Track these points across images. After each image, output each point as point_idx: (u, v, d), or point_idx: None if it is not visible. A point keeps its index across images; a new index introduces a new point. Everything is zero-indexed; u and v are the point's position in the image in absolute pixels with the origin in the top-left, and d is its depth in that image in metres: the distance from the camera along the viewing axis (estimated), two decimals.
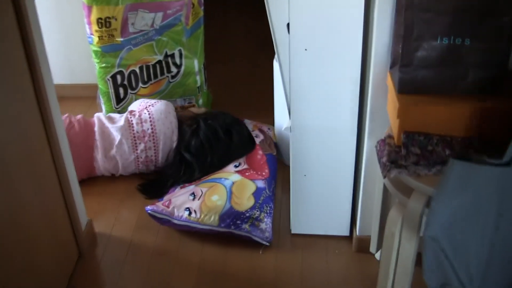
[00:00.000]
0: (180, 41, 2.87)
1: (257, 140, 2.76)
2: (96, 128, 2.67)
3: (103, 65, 2.91)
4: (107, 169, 2.70)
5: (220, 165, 2.63)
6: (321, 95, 2.05)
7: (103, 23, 2.78)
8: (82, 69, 3.32)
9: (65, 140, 2.13)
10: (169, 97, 3.02)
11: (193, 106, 3.07)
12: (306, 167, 2.22)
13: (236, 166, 2.59)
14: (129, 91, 2.99)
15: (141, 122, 2.67)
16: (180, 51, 2.90)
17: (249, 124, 2.90)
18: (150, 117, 2.69)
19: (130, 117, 2.70)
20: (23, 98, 1.83)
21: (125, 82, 2.96)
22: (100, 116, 2.75)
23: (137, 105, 2.83)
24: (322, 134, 2.13)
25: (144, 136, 2.65)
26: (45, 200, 1.98)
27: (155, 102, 2.79)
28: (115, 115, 2.78)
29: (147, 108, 2.76)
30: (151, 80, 2.96)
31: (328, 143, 2.15)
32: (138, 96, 3.00)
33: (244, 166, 2.59)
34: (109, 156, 2.65)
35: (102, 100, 3.05)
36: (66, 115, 2.71)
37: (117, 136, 2.64)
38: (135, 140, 2.65)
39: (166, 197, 2.46)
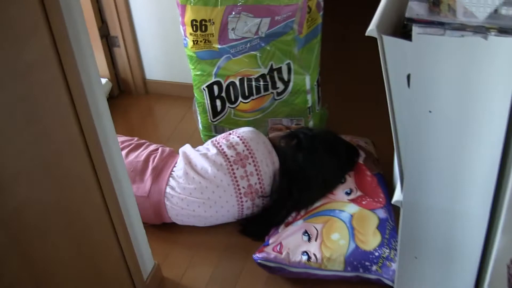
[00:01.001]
0: (290, 53, 2.33)
1: (360, 159, 2.31)
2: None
3: (198, 72, 2.46)
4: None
5: (329, 187, 2.21)
6: (446, 169, 1.51)
7: (198, 26, 2.31)
8: (181, 67, 2.88)
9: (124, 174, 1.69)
10: (273, 115, 2.51)
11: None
12: (418, 249, 1.71)
13: (347, 194, 2.17)
14: (227, 104, 2.52)
15: (233, 146, 2.19)
16: (288, 65, 2.36)
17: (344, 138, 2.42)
18: (240, 139, 2.20)
19: (217, 143, 2.23)
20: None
21: (223, 94, 2.49)
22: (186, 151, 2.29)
23: (215, 138, 2.35)
24: (442, 216, 1.60)
25: (241, 159, 2.15)
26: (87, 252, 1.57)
27: (239, 128, 2.33)
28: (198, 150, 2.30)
29: (231, 134, 2.27)
30: (253, 95, 2.46)
31: (449, 227, 1.62)
32: (237, 112, 2.53)
33: (357, 193, 2.17)
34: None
35: (198, 110, 2.61)
36: (155, 145, 2.36)
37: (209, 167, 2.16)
38: (231, 166, 2.15)
39: (272, 240, 2.06)
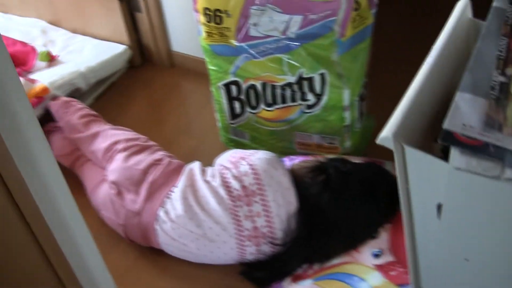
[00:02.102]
0: (326, 60, 1.80)
1: None
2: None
3: (214, 67, 1.98)
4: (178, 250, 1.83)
5: (357, 240, 1.74)
6: None
7: (212, 16, 1.81)
8: None
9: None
10: (302, 130, 2.02)
11: (336, 149, 2.03)
12: None
13: (376, 256, 1.69)
14: (248, 109, 2.04)
15: (240, 177, 1.74)
16: (322, 75, 1.83)
17: (390, 167, 1.88)
18: (251, 168, 1.74)
19: (224, 170, 1.79)
20: None
21: (242, 97, 2.01)
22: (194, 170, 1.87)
23: (228, 157, 1.90)
24: None
25: (246, 195, 1.70)
26: None
27: (255, 152, 1.85)
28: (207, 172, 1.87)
29: (243, 159, 1.81)
30: (277, 104, 1.97)
31: None
32: (258, 119, 2.05)
33: (387, 257, 1.68)
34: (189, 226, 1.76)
35: (215, 106, 2.16)
36: (162, 152, 1.96)
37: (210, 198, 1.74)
38: (234, 202, 1.72)
39: None
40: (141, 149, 1.94)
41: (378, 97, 2.05)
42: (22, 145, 0.91)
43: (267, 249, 1.72)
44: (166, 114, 2.49)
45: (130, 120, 2.44)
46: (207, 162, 2.15)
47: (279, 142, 2.11)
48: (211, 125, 2.35)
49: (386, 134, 0.84)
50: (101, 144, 2.00)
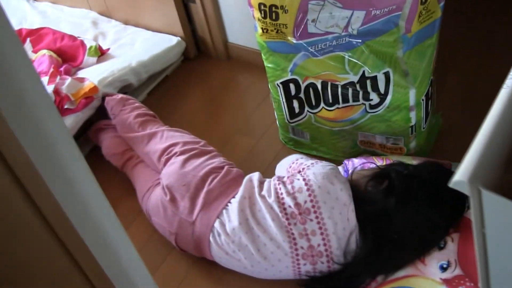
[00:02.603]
0: (391, 58, 1.67)
1: (470, 213, 1.60)
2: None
3: (271, 65, 1.88)
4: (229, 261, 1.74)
5: (426, 247, 1.61)
6: None
7: (267, 12, 1.70)
8: None
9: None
10: (365, 130, 1.89)
11: (400, 149, 1.90)
12: None
13: (443, 268, 1.56)
14: (307, 108, 1.93)
15: (294, 193, 1.63)
16: (387, 74, 1.70)
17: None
18: (306, 184, 1.64)
19: (278, 185, 1.69)
20: None
21: (301, 96, 1.90)
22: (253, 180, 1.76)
23: (286, 166, 1.79)
24: None
25: (300, 213, 1.61)
26: None
27: (311, 164, 1.72)
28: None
29: (299, 171, 1.70)
30: (338, 103, 1.85)
31: None
32: (318, 118, 1.93)
33: (455, 271, 1.54)
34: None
35: (274, 105, 2.06)
36: (222, 159, 1.87)
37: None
38: (287, 220, 1.62)
39: None
40: (200, 154, 1.85)
41: (445, 94, 1.90)
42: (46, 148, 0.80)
43: (324, 268, 1.62)
44: (222, 110, 2.40)
45: (185, 116, 2.36)
46: (265, 162, 2.06)
47: (340, 142, 1.99)
48: (269, 122, 2.25)
49: (460, 178, 0.72)
50: (157, 145, 1.92)
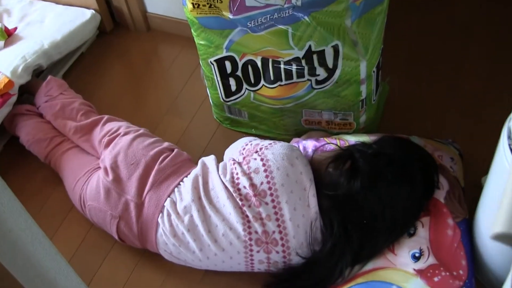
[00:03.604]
0: (339, 29, 1.51)
1: (440, 194, 1.54)
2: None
3: (202, 42, 1.69)
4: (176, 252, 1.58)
5: (399, 229, 1.49)
6: None
7: None
8: None
9: None
10: (311, 107, 1.75)
11: (350, 124, 1.77)
12: None
13: (415, 258, 1.46)
14: (245, 85, 1.76)
15: (249, 173, 1.48)
16: (335, 47, 1.55)
17: (419, 142, 1.67)
18: (264, 164, 1.49)
19: (233, 165, 1.55)
20: None
21: (239, 73, 1.73)
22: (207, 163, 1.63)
23: (239, 148, 1.63)
24: None
25: (255, 195, 1.47)
26: None
27: (269, 144, 1.57)
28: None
29: (256, 152, 1.55)
30: (281, 80, 1.69)
31: None
32: (258, 96, 1.77)
33: (429, 260, 1.45)
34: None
35: (206, 83, 1.87)
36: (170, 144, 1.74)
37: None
38: (241, 201, 1.48)
39: None
40: (147, 135, 1.74)
41: (389, 56, 1.77)
42: None
43: (279, 259, 1.49)
44: (147, 88, 2.18)
45: (106, 98, 2.14)
46: (201, 144, 1.90)
47: (282, 120, 1.84)
48: (200, 100, 2.07)
49: (503, 229, 0.58)
50: (97, 129, 1.79)
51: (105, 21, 2.31)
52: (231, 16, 1.53)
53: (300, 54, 1.58)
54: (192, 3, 1.56)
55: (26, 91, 2.02)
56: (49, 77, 1.99)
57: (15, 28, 2.17)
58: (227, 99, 1.84)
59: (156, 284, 1.65)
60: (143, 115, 2.06)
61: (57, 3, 2.29)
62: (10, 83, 1.88)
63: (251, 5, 1.49)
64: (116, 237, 1.64)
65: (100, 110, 1.93)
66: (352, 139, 1.69)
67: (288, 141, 1.73)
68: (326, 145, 1.68)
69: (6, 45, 2.09)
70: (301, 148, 1.67)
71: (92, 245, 1.74)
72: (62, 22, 2.17)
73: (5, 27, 2.14)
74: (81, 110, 1.88)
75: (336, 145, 1.66)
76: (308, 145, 1.69)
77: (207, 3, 1.53)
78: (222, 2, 1.50)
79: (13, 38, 2.13)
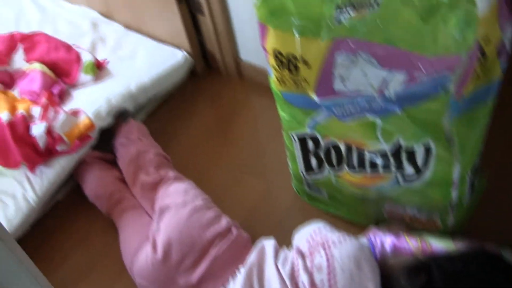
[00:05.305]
0: (434, 128, 1.34)
1: None
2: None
3: (286, 115, 1.56)
4: None
5: None
6: None
7: (285, 63, 1.37)
8: None
9: None
10: (395, 201, 1.58)
11: (434, 224, 1.59)
12: None
13: None
14: (327, 166, 1.61)
15: (311, 270, 1.36)
16: (427, 146, 1.37)
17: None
18: (328, 264, 1.34)
19: (296, 257, 1.42)
20: None
21: (321, 155, 1.58)
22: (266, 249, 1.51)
23: (307, 236, 1.48)
24: None
25: None
26: None
27: (339, 240, 1.40)
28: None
29: (323, 246, 1.40)
30: (364, 169, 1.53)
31: None
32: (341, 180, 1.62)
33: None
34: None
35: (287, 153, 1.75)
36: (228, 219, 1.62)
37: None
38: None
39: None
40: (205, 207, 1.61)
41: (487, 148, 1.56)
42: None
43: None
44: (231, 139, 2.10)
45: (188, 143, 2.08)
46: (273, 218, 1.78)
47: (363, 207, 1.68)
48: (283, 163, 1.90)
49: None
50: (161, 196, 1.69)
51: (197, 62, 2.24)
52: (316, 99, 1.39)
53: (387, 148, 1.42)
54: (277, 77, 1.44)
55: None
56: (131, 120, 1.94)
57: (106, 61, 2.14)
58: (307, 174, 1.71)
59: None
60: (221, 169, 1.96)
61: (151, 37, 2.24)
62: (91, 126, 1.85)
63: (340, 89, 1.35)
64: None
65: (178, 155, 1.88)
66: (435, 243, 1.49)
67: (366, 227, 1.56)
68: (405, 245, 1.50)
69: (95, 80, 2.07)
70: (378, 242, 1.50)
71: None
72: (153, 62, 2.11)
73: (96, 60, 2.11)
74: (154, 162, 1.80)
75: (417, 248, 1.47)
76: (386, 241, 1.52)
77: (293, 81, 1.41)
78: (308, 82, 1.37)
79: (102, 73, 2.10)
